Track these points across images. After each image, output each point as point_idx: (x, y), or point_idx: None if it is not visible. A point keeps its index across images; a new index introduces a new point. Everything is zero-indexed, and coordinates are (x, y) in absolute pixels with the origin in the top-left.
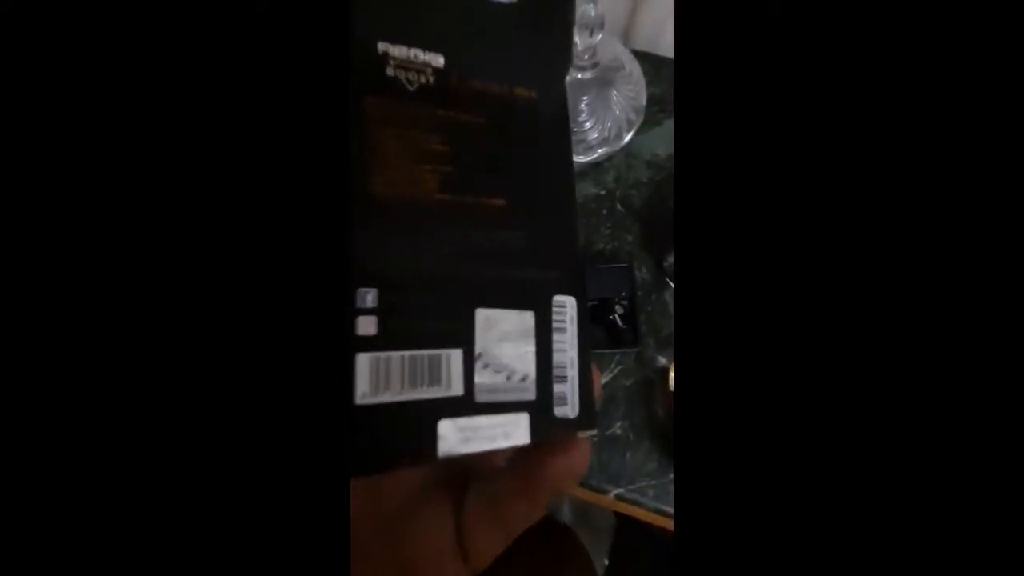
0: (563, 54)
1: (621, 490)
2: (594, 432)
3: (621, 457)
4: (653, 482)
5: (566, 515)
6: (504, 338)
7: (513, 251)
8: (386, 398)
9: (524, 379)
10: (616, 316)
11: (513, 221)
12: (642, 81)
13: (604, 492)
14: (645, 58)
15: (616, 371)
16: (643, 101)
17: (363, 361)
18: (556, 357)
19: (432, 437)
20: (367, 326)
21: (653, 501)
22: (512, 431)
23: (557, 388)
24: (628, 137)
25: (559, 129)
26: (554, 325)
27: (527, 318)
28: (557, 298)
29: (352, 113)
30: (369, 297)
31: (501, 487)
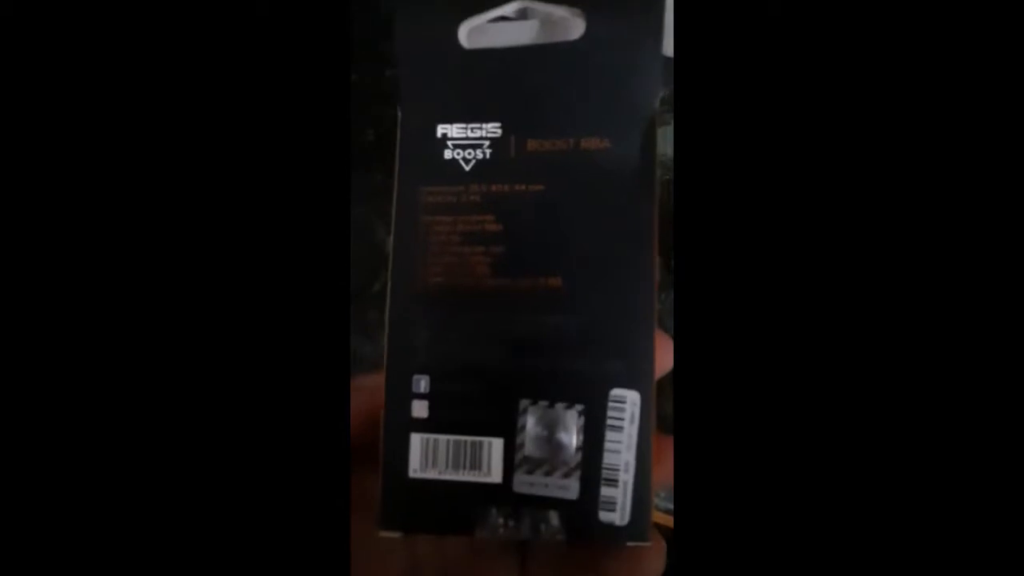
0: (647, 91)
1: None
2: (648, 544)
3: None
4: None
5: None
6: (548, 432)
7: (567, 338)
8: (432, 475)
9: (566, 476)
10: None
11: (570, 304)
12: None
13: None
14: None
15: None
16: None
17: (415, 440)
18: (607, 458)
19: (469, 518)
20: (420, 409)
21: (663, 501)
22: (548, 526)
23: (605, 491)
24: None
25: (636, 183)
26: (609, 423)
27: (575, 413)
28: (616, 392)
29: (410, 204)
30: (423, 383)
31: (566, 557)
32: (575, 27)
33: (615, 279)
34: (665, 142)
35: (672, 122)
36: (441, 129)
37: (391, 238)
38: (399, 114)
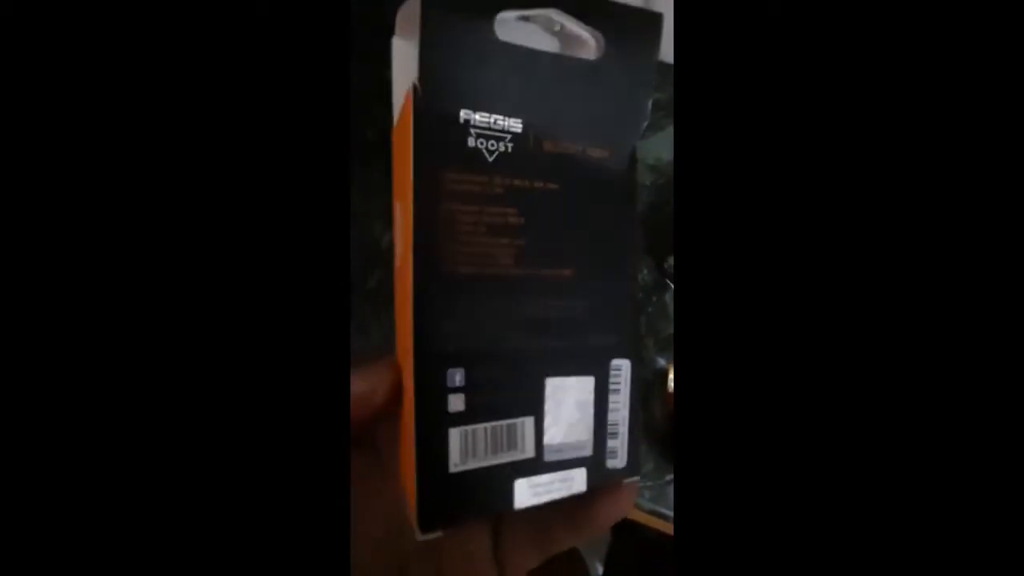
0: (640, 111)
1: None
2: (637, 478)
3: None
4: (650, 483)
5: None
6: (569, 403)
7: (578, 320)
8: (472, 464)
9: (584, 438)
10: None
11: (579, 291)
12: None
13: None
14: None
15: None
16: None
17: (455, 435)
18: (611, 416)
19: (509, 494)
20: (456, 403)
21: (650, 503)
22: (572, 483)
23: (610, 443)
24: None
25: (626, 188)
26: (611, 387)
27: (588, 383)
28: (615, 362)
29: (432, 188)
30: (458, 377)
31: (544, 511)
32: (590, 46)
33: (611, 269)
34: (659, 146)
35: (666, 128)
36: (464, 115)
37: (411, 221)
38: (415, 91)
